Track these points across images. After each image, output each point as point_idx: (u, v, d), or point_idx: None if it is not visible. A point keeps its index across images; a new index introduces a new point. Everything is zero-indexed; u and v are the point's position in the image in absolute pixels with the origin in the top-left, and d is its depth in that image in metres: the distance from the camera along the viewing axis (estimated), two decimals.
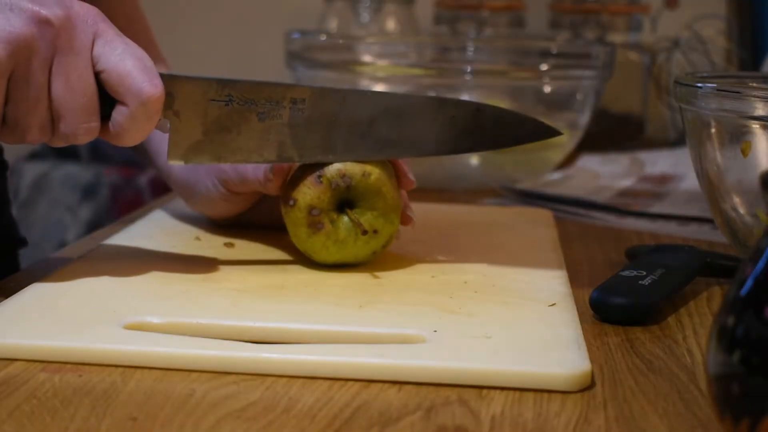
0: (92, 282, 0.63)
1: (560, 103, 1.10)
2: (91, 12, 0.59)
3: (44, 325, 0.55)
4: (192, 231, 0.76)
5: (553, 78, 1.07)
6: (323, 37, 1.21)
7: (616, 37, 1.39)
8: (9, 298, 0.59)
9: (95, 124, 0.59)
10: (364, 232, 0.66)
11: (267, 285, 0.64)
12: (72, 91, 0.58)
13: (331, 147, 0.66)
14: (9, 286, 0.63)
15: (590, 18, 1.41)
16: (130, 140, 0.60)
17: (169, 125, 0.62)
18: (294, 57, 1.10)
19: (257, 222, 0.76)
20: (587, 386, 0.51)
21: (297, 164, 0.67)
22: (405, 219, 0.70)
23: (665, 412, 0.49)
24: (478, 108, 0.67)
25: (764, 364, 0.38)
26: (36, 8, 0.57)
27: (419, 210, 0.72)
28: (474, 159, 1.04)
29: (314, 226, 0.66)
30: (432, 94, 1.09)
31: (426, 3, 1.54)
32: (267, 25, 1.72)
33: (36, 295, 0.60)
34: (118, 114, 0.59)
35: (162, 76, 0.60)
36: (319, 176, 0.66)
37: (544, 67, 1.07)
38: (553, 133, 0.69)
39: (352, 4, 1.49)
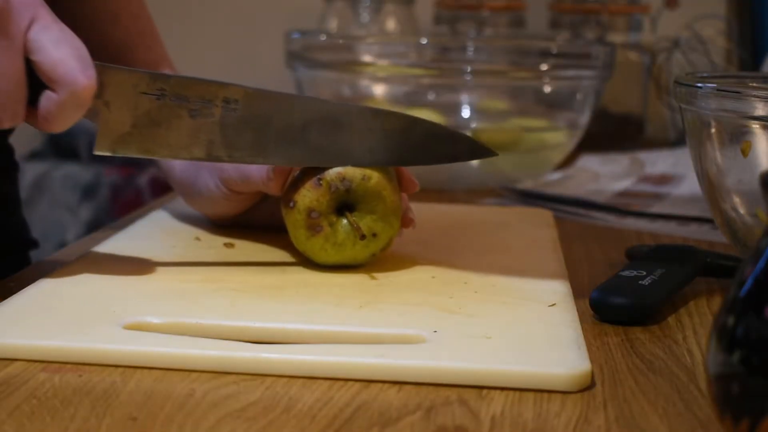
0: (92, 282, 0.63)
1: (560, 103, 1.10)
2: None
3: (44, 325, 0.55)
4: (192, 231, 0.76)
5: (553, 78, 1.07)
6: (323, 37, 1.21)
7: (616, 37, 1.39)
8: (9, 298, 0.59)
9: (21, 110, 0.58)
10: (362, 237, 0.66)
11: (267, 285, 0.64)
12: (1, 74, 0.57)
13: (262, 150, 0.65)
14: (9, 286, 0.63)
15: (590, 18, 1.41)
16: (58, 127, 0.59)
17: (98, 114, 0.61)
18: (294, 57, 1.10)
19: (257, 223, 0.76)
20: (587, 386, 0.51)
21: (299, 166, 0.67)
22: (406, 221, 0.70)
23: (665, 412, 0.49)
24: (412, 122, 0.66)
25: (764, 364, 0.38)
26: None
27: (419, 210, 0.72)
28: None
29: (313, 228, 0.66)
30: (432, 93, 1.09)
31: (426, 3, 1.54)
32: (267, 25, 1.72)
33: (36, 295, 0.60)
34: (47, 100, 0.58)
35: (94, 65, 0.59)
36: (319, 179, 0.66)
37: (544, 67, 1.07)
38: (488, 153, 0.69)
39: (352, 4, 1.49)
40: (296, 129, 0.65)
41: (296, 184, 0.67)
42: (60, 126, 0.59)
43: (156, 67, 0.85)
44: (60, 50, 0.57)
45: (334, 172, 0.66)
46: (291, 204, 0.66)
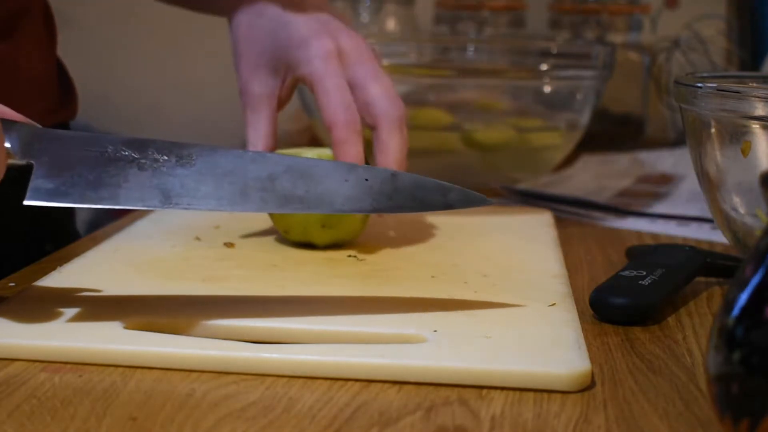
0: (92, 282, 0.63)
1: (560, 103, 1.10)
2: None
3: (44, 325, 0.55)
4: (192, 231, 0.76)
5: (553, 78, 1.07)
6: None
7: (616, 37, 1.39)
8: (9, 298, 0.59)
9: None
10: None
11: (267, 285, 0.64)
12: None
13: (225, 200, 0.58)
14: (9, 286, 0.63)
15: (590, 18, 1.41)
16: None
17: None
18: None
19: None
20: (587, 386, 0.51)
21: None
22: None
23: (665, 412, 0.49)
24: (393, 174, 0.61)
25: (764, 364, 0.38)
26: None
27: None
28: (474, 159, 1.04)
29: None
30: (432, 94, 1.09)
31: (426, 3, 1.54)
32: None
33: (36, 295, 0.60)
34: None
35: (22, 127, 0.56)
36: None
37: (544, 67, 1.07)
38: (482, 201, 0.64)
39: (352, 4, 1.49)
40: (263, 179, 0.59)
41: None
42: None
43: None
44: None
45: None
46: None
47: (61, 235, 0.89)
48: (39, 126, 0.58)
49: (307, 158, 0.61)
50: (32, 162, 0.56)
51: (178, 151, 0.58)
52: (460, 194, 0.63)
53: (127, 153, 0.58)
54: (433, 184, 0.62)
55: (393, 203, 0.61)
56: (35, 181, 0.56)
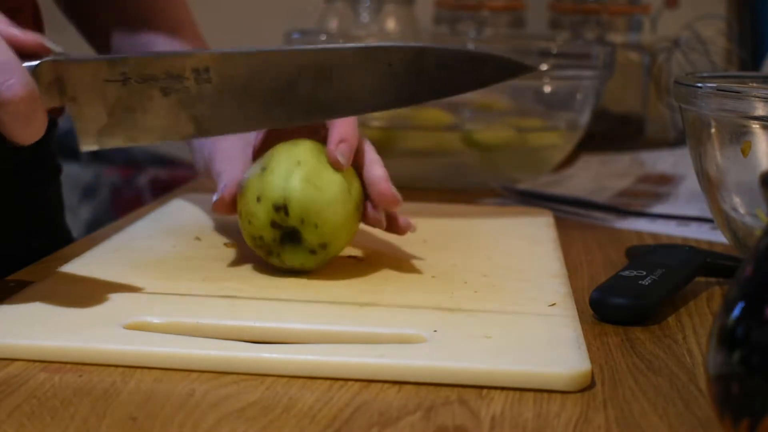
0: (92, 282, 0.63)
1: (560, 103, 1.10)
2: None
3: (44, 325, 0.55)
4: (192, 231, 0.76)
5: (553, 78, 1.07)
6: (323, 37, 1.21)
7: (616, 37, 1.39)
8: (9, 298, 0.59)
9: None
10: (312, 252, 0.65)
11: (267, 285, 0.64)
12: None
13: (251, 116, 0.60)
14: (9, 286, 0.63)
15: (590, 18, 1.41)
16: (23, 140, 0.55)
17: (70, 111, 0.59)
18: None
19: None
20: (587, 386, 0.51)
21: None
22: (400, 229, 0.68)
23: (665, 412, 0.49)
24: (420, 51, 0.59)
25: (764, 364, 0.38)
26: None
27: (420, 210, 0.72)
28: (474, 159, 1.04)
29: (261, 248, 0.66)
30: None
31: (426, 3, 1.54)
32: (267, 25, 1.72)
33: (36, 295, 0.60)
34: None
35: (44, 63, 0.56)
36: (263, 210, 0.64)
37: (544, 67, 1.07)
38: (523, 69, 0.61)
39: (352, 4, 1.49)
40: (282, 88, 0.60)
41: (244, 207, 0.65)
42: (24, 138, 0.55)
43: (179, 29, 0.82)
44: None
45: (272, 208, 0.63)
46: (241, 218, 0.66)
47: (49, 230, 0.88)
48: (52, 50, 0.57)
49: (323, 50, 0.60)
50: (65, 104, 0.58)
51: (191, 63, 0.59)
52: (496, 65, 0.60)
53: (147, 74, 0.58)
54: (465, 59, 0.60)
55: (417, 90, 0.59)
56: (80, 123, 0.58)
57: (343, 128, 0.64)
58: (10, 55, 0.54)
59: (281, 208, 0.63)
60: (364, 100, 0.60)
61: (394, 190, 0.65)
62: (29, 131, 0.55)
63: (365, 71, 0.59)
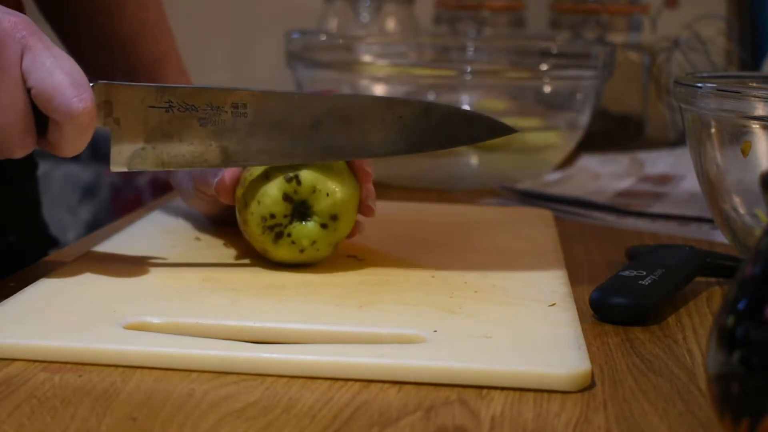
0: (92, 282, 0.63)
1: (560, 103, 1.10)
2: (20, 25, 0.57)
3: (44, 325, 0.55)
4: (192, 231, 0.76)
5: (553, 78, 1.07)
6: (323, 37, 1.21)
7: (616, 37, 1.39)
8: (9, 298, 0.59)
9: (30, 139, 0.58)
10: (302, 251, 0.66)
11: (267, 285, 0.64)
12: (2, 108, 0.57)
13: (277, 151, 0.65)
14: (9, 286, 0.63)
15: (590, 18, 1.41)
16: (69, 152, 0.59)
17: (110, 132, 0.62)
18: (294, 57, 1.10)
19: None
20: (587, 386, 0.51)
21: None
22: (365, 209, 0.69)
23: (665, 412, 0.49)
24: (426, 107, 0.66)
25: (764, 364, 0.38)
26: None
27: (419, 210, 0.72)
28: (474, 159, 1.04)
29: (270, 229, 0.66)
30: (432, 94, 1.09)
31: (426, 3, 1.54)
32: (267, 25, 1.72)
33: (36, 295, 0.60)
34: (52, 128, 0.59)
35: (98, 84, 0.60)
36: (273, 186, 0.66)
37: (544, 67, 1.07)
38: (507, 130, 0.69)
39: (352, 4, 1.49)
40: (308, 127, 0.65)
41: (252, 189, 0.66)
42: (71, 151, 0.59)
43: (162, 60, 0.84)
44: (53, 78, 0.57)
45: (284, 180, 0.66)
46: (246, 207, 0.67)
47: (26, 225, 0.88)
48: (106, 81, 0.61)
49: (349, 97, 0.67)
50: (109, 126, 0.62)
51: (232, 99, 0.64)
52: (486, 125, 0.68)
53: (190, 103, 0.63)
54: (461, 116, 0.68)
55: (423, 141, 0.67)
56: (117, 145, 0.62)
57: (370, 184, 0.69)
58: (83, 73, 0.58)
59: (293, 178, 0.66)
60: (377, 147, 0.66)
61: (363, 164, 0.69)
62: (79, 144, 0.59)
63: (380, 120, 0.66)
